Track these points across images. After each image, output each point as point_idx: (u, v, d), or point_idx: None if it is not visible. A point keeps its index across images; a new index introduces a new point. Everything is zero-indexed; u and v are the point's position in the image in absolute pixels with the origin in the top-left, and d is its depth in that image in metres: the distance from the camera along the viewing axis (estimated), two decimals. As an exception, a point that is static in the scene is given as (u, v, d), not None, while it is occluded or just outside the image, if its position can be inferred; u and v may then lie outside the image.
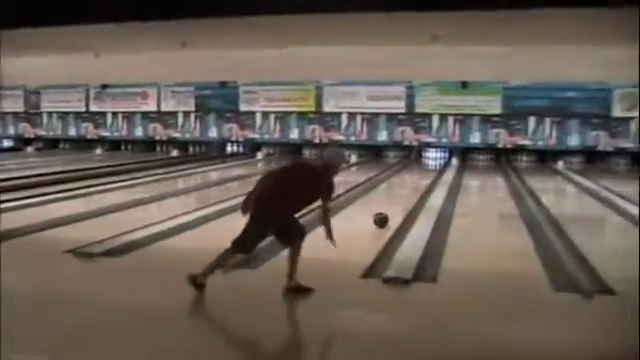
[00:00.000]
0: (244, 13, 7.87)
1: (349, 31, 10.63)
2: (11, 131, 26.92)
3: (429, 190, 13.21)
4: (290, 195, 5.42)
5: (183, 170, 17.44)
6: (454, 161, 21.05)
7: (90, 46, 12.15)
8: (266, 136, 23.36)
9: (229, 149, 24.19)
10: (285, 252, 5.66)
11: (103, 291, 5.54)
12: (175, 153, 23.94)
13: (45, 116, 26.23)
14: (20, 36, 9.90)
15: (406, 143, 22.16)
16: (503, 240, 8.71)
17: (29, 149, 26.11)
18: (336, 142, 22.14)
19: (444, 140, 21.82)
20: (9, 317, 4.68)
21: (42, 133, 26.44)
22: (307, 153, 23.16)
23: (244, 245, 5.47)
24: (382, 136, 22.31)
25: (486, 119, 21.32)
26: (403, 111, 21.94)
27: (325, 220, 5.68)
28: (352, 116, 22.49)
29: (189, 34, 10.64)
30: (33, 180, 13.75)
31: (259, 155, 23.34)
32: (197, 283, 5.31)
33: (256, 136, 23.49)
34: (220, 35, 10.96)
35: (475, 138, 21.53)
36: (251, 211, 5.42)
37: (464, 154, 21.72)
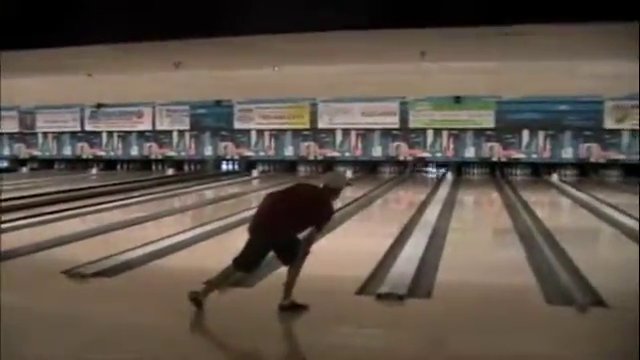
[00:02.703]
0: (237, 33, 7.94)
1: (341, 49, 10.72)
2: (6, 152, 26.95)
3: (424, 205, 13.25)
4: (292, 214, 5.44)
5: (179, 189, 17.47)
6: (449, 175, 21.13)
7: (84, 66, 12.19)
8: (261, 153, 23.42)
9: (224, 167, 24.24)
10: (281, 269, 5.67)
11: (100, 311, 5.55)
12: (170, 172, 23.98)
13: (40, 136, 26.26)
14: (13, 58, 9.94)
15: (401, 158, 22.25)
16: (498, 254, 8.76)
17: (24, 170, 26.11)
18: (332, 158, 22.28)
19: (438, 155, 21.91)
20: (7, 337, 4.69)
21: (37, 153, 26.45)
22: (302, 170, 23.24)
23: (246, 263, 5.46)
24: (377, 152, 22.40)
25: (480, 133, 21.44)
26: (397, 126, 22.05)
27: (308, 239, 5.58)
28: (346, 132, 22.59)
29: (183, 54, 10.71)
30: (28, 201, 13.76)
31: (254, 173, 23.38)
32: (198, 300, 5.30)
33: (251, 154, 23.56)
34: (214, 55, 11.03)
35: (469, 152, 21.62)
36: (252, 227, 5.46)
37: (459, 168, 21.83)
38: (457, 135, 21.64)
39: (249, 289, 6.17)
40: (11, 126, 26.57)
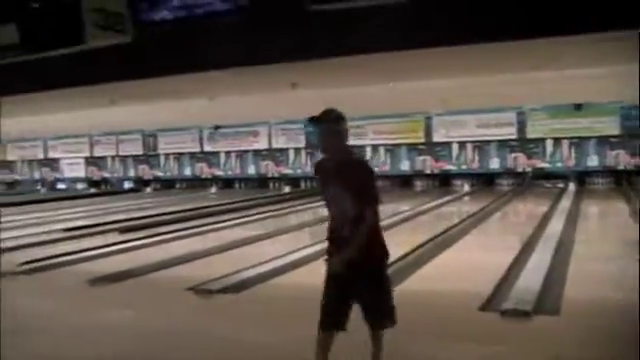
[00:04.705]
0: (350, 53, 7.98)
1: (454, 63, 10.58)
2: (131, 173, 28.14)
3: (546, 217, 12.81)
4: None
5: (296, 206, 17.65)
6: (571, 186, 20.37)
7: (204, 91, 12.58)
8: (376, 169, 23.30)
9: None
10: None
11: (222, 327, 5.63)
12: (287, 189, 24.32)
13: (162, 157, 27.27)
14: (135, 86, 10.45)
15: (519, 170, 21.65)
16: (628, 268, 8.32)
17: (148, 190, 27.16)
18: (448, 172, 21.99)
19: (559, 164, 21.18)
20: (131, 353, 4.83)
21: (159, 174, 27.47)
22: (418, 184, 23.03)
23: (330, 320, 4.16)
24: (494, 163, 21.90)
25: (604, 141, 20.56)
26: (515, 137, 21.49)
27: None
28: (462, 145, 22.22)
29: (299, 75, 10.88)
30: (153, 220, 14.28)
31: (370, 188, 23.30)
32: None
33: (366, 169, 23.49)
34: (329, 74, 11.15)
35: (592, 161, 20.77)
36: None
37: (581, 178, 20.99)
38: (578, 144, 20.85)
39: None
40: (135, 148, 27.79)
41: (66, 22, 6.77)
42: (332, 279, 4.10)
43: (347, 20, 6.53)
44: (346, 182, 4.00)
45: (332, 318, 4.12)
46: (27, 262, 9.01)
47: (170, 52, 8.29)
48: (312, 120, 4.17)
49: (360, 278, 4.05)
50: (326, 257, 4.22)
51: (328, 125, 4.11)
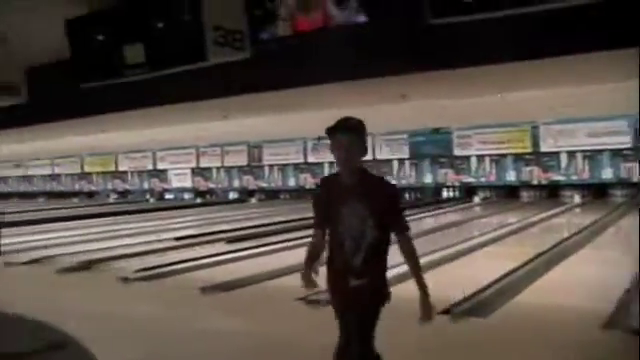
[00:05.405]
0: (458, 65, 7.92)
1: (563, 72, 10.35)
2: (236, 183, 28.70)
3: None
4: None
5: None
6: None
7: (312, 103, 12.74)
8: (482, 179, 22.99)
9: (444, 194, 24.03)
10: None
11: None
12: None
13: (266, 169, 27.69)
14: (248, 100, 10.71)
15: (634, 180, 20.76)
16: None
17: (253, 200, 27.62)
18: (556, 182, 21.37)
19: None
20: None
21: (264, 185, 27.90)
22: (525, 195, 22.46)
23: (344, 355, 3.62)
24: (607, 174, 21.10)
25: None
26: (629, 146, 20.65)
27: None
28: (572, 154, 21.53)
29: (409, 87, 10.88)
30: (260, 230, 14.49)
31: (476, 199, 22.98)
32: None
33: (471, 180, 23.21)
34: (438, 86, 11.11)
35: None
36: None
37: None
38: None
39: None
40: (241, 159, 28.35)
41: (189, 40, 7.00)
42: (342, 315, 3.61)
43: (466, 32, 6.46)
44: (367, 203, 3.44)
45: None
46: (142, 269, 9.33)
47: (284, 67, 8.44)
48: (329, 130, 3.51)
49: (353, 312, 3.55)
50: (328, 293, 3.71)
51: (346, 135, 3.47)
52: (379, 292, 3.59)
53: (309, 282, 3.72)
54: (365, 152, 3.52)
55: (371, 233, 3.45)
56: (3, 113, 11.46)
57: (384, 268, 3.63)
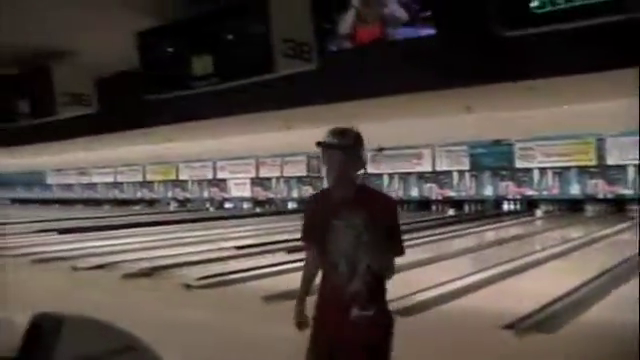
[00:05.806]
0: (529, 77, 7.85)
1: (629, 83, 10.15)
2: (294, 194, 28.81)
3: None
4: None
5: (459, 230, 17.38)
6: None
7: (375, 115, 12.76)
8: (544, 192, 22.60)
9: (505, 207, 23.68)
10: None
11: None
12: (451, 212, 24.00)
13: (325, 179, 27.61)
14: (311, 112, 10.82)
15: None
16: None
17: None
18: (622, 197, 20.85)
19: None
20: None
21: (324, 195, 27.85)
22: (589, 209, 21.95)
23: None
24: (678, 189, 20.46)
25: None
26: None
27: None
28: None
29: (474, 99, 10.82)
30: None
31: (538, 213, 22.59)
32: None
33: (533, 193, 22.83)
34: (501, 98, 11.01)
35: None
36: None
37: None
38: None
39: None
40: (299, 170, 28.46)
41: (258, 52, 7.10)
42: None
43: (536, 44, 6.40)
44: (366, 221, 3.10)
45: None
46: (204, 277, 9.47)
47: (348, 78, 8.50)
48: (321, 143, 3.18)
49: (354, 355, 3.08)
50: (313, 321, 3.30)
51: (343, 148, 3.16)
52: (387, 324, 3.19)
53: (301, 321, 3.36)
54: (362, 166, 3.24)
55: (366, 255, 3.07)
56: (74, 122, 11.76)
57: (382, 296, 3.21)
